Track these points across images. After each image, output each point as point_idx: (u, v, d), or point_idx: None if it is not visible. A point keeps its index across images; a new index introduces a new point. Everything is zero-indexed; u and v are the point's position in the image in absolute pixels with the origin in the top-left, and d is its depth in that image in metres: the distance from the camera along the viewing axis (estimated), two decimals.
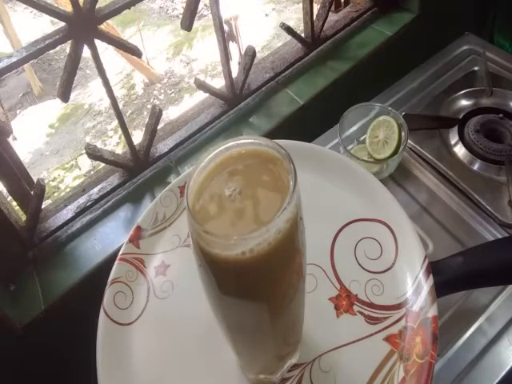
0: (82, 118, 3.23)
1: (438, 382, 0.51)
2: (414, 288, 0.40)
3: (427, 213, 0.64)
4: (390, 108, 0.67)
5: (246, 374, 0.40)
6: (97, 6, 0.55)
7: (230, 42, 3.51)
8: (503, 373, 0.50)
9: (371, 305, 0.41)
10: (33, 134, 3.11)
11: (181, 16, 0.65)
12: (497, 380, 0.50)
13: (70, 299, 0.61)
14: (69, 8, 0.54)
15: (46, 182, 0.65)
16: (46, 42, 0.54)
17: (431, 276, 0.40)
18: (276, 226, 0.25)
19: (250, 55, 0.76)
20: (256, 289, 0.28)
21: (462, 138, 0.70)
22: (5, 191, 0.65)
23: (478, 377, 0.50)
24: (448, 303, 0.55)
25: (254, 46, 0.77)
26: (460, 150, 0.69)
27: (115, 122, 2.97)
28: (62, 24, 0.55)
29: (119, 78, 3.42)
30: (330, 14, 0.82)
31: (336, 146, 0.71)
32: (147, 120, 0.71)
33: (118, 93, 3.25)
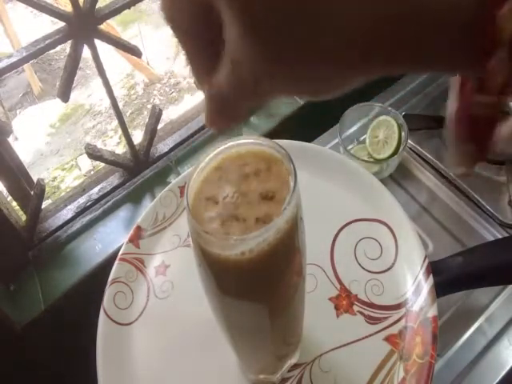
0: (82, 118, 3.22)
1: (438, 382, 0.51)
2: (414, 288, 0.40)
3: (427, 213, 0.64)
4: (389, 108, 0.67)
5: (246, 374, 0.39)
6: (97, 6, 0.55)
7: None
8: (503, 373, 0.50)
9: (371, 305, 0.41)
10: (33, 133, 3.11)
11: None
12: (497, 380, 0.50)
13: (69, 299, 0.61)
14: (69, 8, 0.54)
15: (45, 181, 0.65)
16: (46, 41, 0.54)
17: (431, 276, 0.40)
18: (276, 226, 0.25)
19: None
20: (256, 289, 0.28)
21: None
22: (5, 191, 0.65)
23: (478, 377, 0.50)
24: (448, 303, 0.55)
25: None
26: None
27: (115, 122, 2.97)
28: (62, 24, 0.55)
29: (119, 78, 3.42)
30: None
31: (336, 146, 0.71)
32: (147, 120, 0.71)
33: (118, 93, 3.24)
